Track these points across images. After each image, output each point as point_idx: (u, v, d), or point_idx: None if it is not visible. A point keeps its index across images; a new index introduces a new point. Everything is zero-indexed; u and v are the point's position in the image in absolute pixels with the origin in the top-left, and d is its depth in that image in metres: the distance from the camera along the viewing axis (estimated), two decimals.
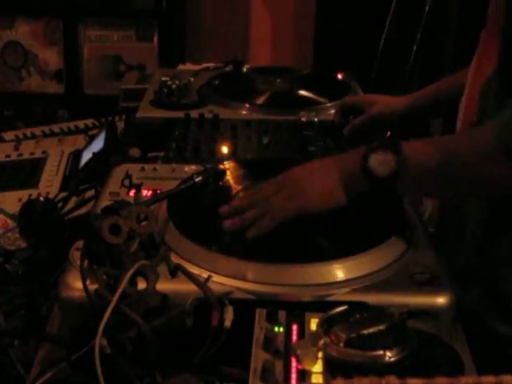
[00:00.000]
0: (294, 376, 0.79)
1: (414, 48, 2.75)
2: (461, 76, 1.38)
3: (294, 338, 0.86)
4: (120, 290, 0.79)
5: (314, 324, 0.87)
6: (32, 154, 1.83)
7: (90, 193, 1.45)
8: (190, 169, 1.31)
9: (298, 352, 0.80)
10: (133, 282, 0.83)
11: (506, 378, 0.58)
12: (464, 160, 1.04)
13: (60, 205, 1.42)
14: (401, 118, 1.55)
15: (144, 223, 0.86)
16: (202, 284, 0.86)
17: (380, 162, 1.02)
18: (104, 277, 0.84)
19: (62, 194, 1.48)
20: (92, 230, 0.85)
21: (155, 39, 3.12)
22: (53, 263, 1.21)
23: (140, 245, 0.87)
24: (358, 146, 1.09)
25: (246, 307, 0.90)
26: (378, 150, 1.03)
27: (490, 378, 0.58)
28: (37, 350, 1.02)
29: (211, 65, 2.08)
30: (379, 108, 1.56)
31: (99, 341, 0.76)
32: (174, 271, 0.88)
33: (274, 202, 1.07)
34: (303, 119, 1.60)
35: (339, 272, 0.98)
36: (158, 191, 1.20)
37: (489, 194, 1.10)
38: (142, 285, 0.85)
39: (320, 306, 0.92)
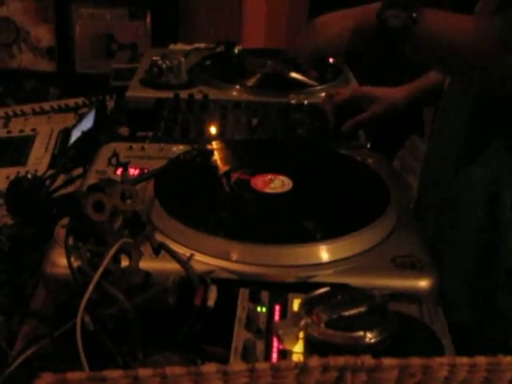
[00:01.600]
0: (274, 355, 0.80)
1: None
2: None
3: (277, 318, 0.86)
4: (102, 267, 0.79)
5: (296, 305, 0.87)
6: (21, 131, 1.83)
7: (78, 171, 1.45)
8: (177, 149, 1.31)
9: (280, 332, 0.81)
10: (116, 260, 0.83)
11: (479, 358, 0.59)
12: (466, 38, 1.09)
13: (48, 182, 1.42)
14: (402, 112, 1.56)
15: (128, 201, 0.86)
16: (184, 262, 0.86)
17: (394, 15, 1.08)
18: (88, 254, 0.84)
19: (50, 172, 1.48)
20: (77, 207, 0.85)
21: (148, 18, 3.10)
22: (39, 240, 1.21)
23: (125, 223, 0.88)
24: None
25: (229, 287, 0.91)
26: (394, 5, 1.09)
27: (464, 360, 0.59)
28: (21, 326, 1.03)
29: (202, 45, 2.07)
30: (383, 106, 1.54)
31: (81, 317, 0.77)
32: (158, 250, 0.88)
33: (300, 38, 1.28)
34: (293, 101, 1.60)
35: (323, 254, 0.99)
36: (146, 170, 1.20)
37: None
38: (125, 263, 0.85)
39: (303, 287, 0.93)
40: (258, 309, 0.87)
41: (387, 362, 0.59)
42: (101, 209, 0.83)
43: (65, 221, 1.01)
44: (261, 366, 0.56)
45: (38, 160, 1.64)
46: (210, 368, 0.55)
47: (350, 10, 1.19)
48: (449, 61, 1.15)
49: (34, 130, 1.81)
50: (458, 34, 1.09)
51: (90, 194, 0.84)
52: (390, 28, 1.08)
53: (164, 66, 1.68)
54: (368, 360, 0.58)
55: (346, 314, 0.82)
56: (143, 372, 0.54)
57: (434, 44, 1.10)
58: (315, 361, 0.57)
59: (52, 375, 0.53)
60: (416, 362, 0.59)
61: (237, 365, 0.55)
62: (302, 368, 0.57)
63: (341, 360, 0.57)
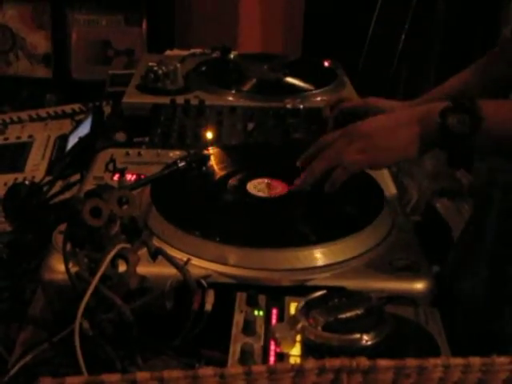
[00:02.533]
0: (272, 359, 0.80)
1: (403, 37, 2.76)
2: (468, 75, 1.40)
3: (274, 321, 0.87)
4: (100, 272, 0.79)
5: (293, 308, 0.88)
6: (18, 138, 1.83)
7: (76, 177, 1.46)
8: (174, 154, 1.32)
9: (277, 335, 0.81)
10: (113, 265, 0.84)
11: (473, 359, 0.60)
12: None
13: (45, 189, 1.42)
14: None
15: (125, 206, 0.87)
16: (181, 267, 0.87)
17: (457, 120, 0.99)
18: (85, 259, 0.84)
19: (48, 178, 1.48)
20: (74, 213, 0.85)
21: (144, 25, 3.10)
22: (37, 247, 1.22)
23: (122, 228, 0.88)
24: None
25: (226, 291, 0.92)
26: (456, 110, 1.00)
27: (458, 360, 0.60)
28: (19, 332, 1.03)
29: (198, 51, 2.07)
30: None
31: (79, 322, 0.77)
32: (155, 255, 0.89)
33: (346, 153, 1.06)
34: (289, 106, 1.61)
35: (319, 257, 0.99)
36: (142, 176, 1.21)
37: None
38: (123, 268, 0.86)
39: (300, 290, 0.93)
40: (255, 312, 0.88)
41: (382, 363, 0.59)
42: (98, 214, 0.83)
43: (62, 227, 1.01)
44: (257, 368, 0.57)
45: (36, 166, 1.65)
46: (206, 371, 0.55)
47: (404, 114, 1.09)
48: None
49: (31, 136, 1.82)
50: None
51: (87, 199, 0.84)
52: (456, 135, 0.99)
53: (160, 71, 1.69)
54: (363, 361, 0.59)
55: (343, 316, 0.83)
56: (141, 376, 0.55)
57: (506, 138, 1.01)
58: (311, 363, 0.58)
59: (51, 380, 0.53)
60: (411, 363, 0.60)
61: (233, 368, 0.56)
62: (298, 370, 0.58)
63: (336, 362, 0.58)
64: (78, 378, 0.54)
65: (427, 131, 1.02)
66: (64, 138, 1.76)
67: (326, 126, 1.53)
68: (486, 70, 1.44)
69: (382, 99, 1.57)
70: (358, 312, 0.83)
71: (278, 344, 0.81)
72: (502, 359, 0.61)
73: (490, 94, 1.40)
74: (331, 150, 1.08)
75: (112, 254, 0.82)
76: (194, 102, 1.62)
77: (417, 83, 2.77)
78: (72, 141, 1.70)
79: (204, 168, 1.23)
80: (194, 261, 0.96)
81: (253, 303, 0.90)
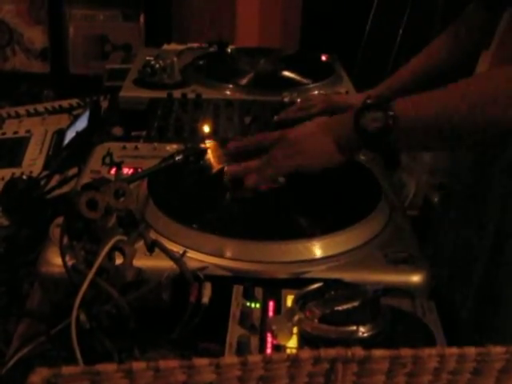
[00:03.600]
0: (269, 351, 0.80)
1: (400, 31, 2.76)
2: (414, 66, 1.44)
3: (270, 314, 0.87)
4: (96, 265, 0.79)
5: (290, 300, 0.88)
6: (16, 132, 1.83)
7: (73, 171, 1.46)
8: (171, 148, 1.32)
9: (274, 327, 0.81)
10: (110, 257, 0.84)
11: (469, 349, 0.60)
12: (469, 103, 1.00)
13: (42, 183, 1.42)
14: None
15: (122, 199, 0.87)
16: (177, 259, 0.87)
17: (371, 119, 1.02)
18: (82, 252, 0.84)
19: (45, 173, 1.48)
20: (71, 206, 0.85)
21: (141, 19, 3.10)
22: (35, 241, 1.22)
23: (118, 221, 0.88)
24: None
25: (223, 283, 0.92)
26: (369, 108, 1.03)
27: (453, 350, 0.60)
28: (17, 325, 1.03)
29: (195, 45, 2.07)
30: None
31: (75, 314, 0.77)
32: (152, 247, 0.89)
33: (277, 155, 1.11)
34: (286, 100, 1.61)
35: (316, 249, 0.99)
36: (139, 170, 1.21)
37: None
38: (119, 260, 0.86)
39: (296, 282, 0.93)
40: (252, 305, 0.88)
41: (378, 353, 0.59)
42: (94, 207, 0.83)
43: (59, 220, 1.01)
44: (253, 358, 0.57)
45: (33, 161, 1.65)
46: (202, 361, 0.55)
47: (323, 121, 1.13)
48: (450, 136, 1.03)
49: (28, 131, 1.81)
50: (453, 102, 1.00)
51: (84, 192, 0.84)
52: (370, 133, 1.03)
53: (157, 65, 1.69)
54: (359, 351, 0.59)
55: (339, 308, 0.82)
56: (136, 365, 0.55)
57: (426, 128, 1.02)
58: (306, 353, 0.58)
59: (47, 370, 0.53)
60: (406, 352, 0.60)
61: (229, 358, 0.56)
62: (294, 360, 0.58)
63: (332, 352, 0.58)
64: (74, 367, 0.54)
65: (345, 135, 1.06)
66: (61, 133, 1.75)
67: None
68: (450, 42, 1.47)
69: (344, 96, 1.59)
70: (355, 304, 0.83)
71: (274, 336, 0.81)
72: (498, 349, 0.61)
73: (459, 65, 1.44)
74: (265, 157, 1.12)
75: (108, 246, 0.82)
76: (191, 95, 1.62)
77: None
78: (69, 135, 1.70)
79: (201, 161, 1.23)
80: (191, 253, 0.96)
81: (249, 296, 0.90)
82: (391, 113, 1.01)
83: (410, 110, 1.02)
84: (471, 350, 0.59)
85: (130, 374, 0.54)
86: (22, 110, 1.98)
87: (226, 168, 1.16)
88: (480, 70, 1.20)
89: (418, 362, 0.60)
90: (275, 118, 1.54)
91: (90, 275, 0.79)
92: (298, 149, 1.10)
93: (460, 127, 1.00)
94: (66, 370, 0.53)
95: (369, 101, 1.06)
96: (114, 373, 0.54)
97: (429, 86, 1.24)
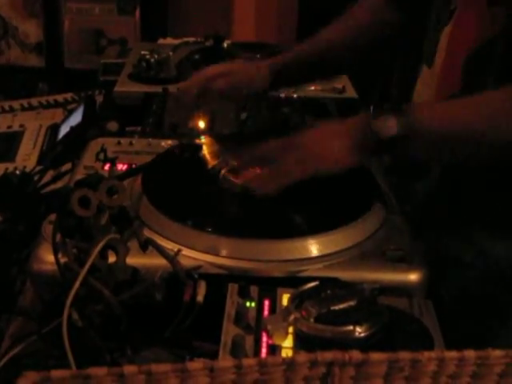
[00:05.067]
0: (264, 351, 0.80)
1: None
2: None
3: (266, 313, 0.86)
4: (89, 263, 0.78)
5: (285, 299, 0.87)
6: (9, 127, 1.81)
7: (67, 166, 1.44)
8: (166, 143, 1.31)
9: (269, 327, 0.81)
10: (103, 256, 0.82)
11: (468, 353, 0.59)
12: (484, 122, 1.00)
13: (36, 178, 1.41)
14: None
15: (115, 196, 0.85)
16: (171, 258, 0.85)
17: (386, 125, 1.00)
18: (74, 250, 0.83)
19: (39, 168, 1.47)
20: (63, 203, 0.84)
21: (137, 13, 3.09)
22: (28, 237, 1.21)
23: (111, 218, 0.87)
24: None
25: (218, 282, 0.90)
26: (384, 114, 1.01)
27: (453, 353, 0.59)
28: (8, 323, 1.02)
29: (191, 39, 2.06)
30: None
31: (67, 313, 0.76)
32: (145, 245, 0.87)
33: (288, 162, 1.06)
34: (282, 95, 1.60)
35: (312, 248, 0.98)
36: (134, 165, 1.20)
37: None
38: (112, 259, 0.85)
39: (292, 281, 0.92)
40: (247, 304, 0.87)
41: (375, 356, 0.58)
42: (87, 204, 0.82)
43: (52, 217, 1.00)
44: (248, 362, 0.56)
45: (27, 156, 1.63)
46: (196, 365, 0.54)
47: (338, 125, 1.10)
48: (463, 152, 1.03)
49: (22, 125, 1.80)
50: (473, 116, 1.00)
51: (76, 189, 0.83)
52: (386, 140, 1.00)
53: (152, 60, 1.68)
54: (356, 355, 0.58)
55: (336, 308, 0.82)
56: (128, 369, 0.54)
57: (444, 138, 1.01)
58: (303, 356, 0.57)
59: (36, 373, 0.52)
60: (404, 356, 0.59)
61: (223, 361, 0.55)
62: (290, 364, 0.57)
63: (328, 355, 0.57)
64: (63, 371, 0.53)
65: (361, 139, 1.03)
66: (55, 128, 1.74)
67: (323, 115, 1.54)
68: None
69: (242, 67, 1.46)
70: (351, 303, 0.83)
71: (270, 336, 0.81)
72: (497, 352, 0.60)
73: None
74: (272, 158, 1.08)
75: (101, 244, 0.81)
76: None
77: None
78: (63, 130, 1.68)
79: (196, 157, 1.22)
80: (186, 251, 0.95)
81: (245, 294, 0.89)
82: (408, 120, 0.99)
83: (428, 120, 1.01)
84: (471, 354, 0.58)
85: (122, 378, 0.53)
86: (16, 104, 1.96)
87: (223, 172, 1.12)
88: (441, 46, 1.18)
89: (417, 365, 0.59)
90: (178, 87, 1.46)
91: (82, 274, 0.77)
92: (311, 153, 1.06)
93: (479, 146, 1.00)
94: (55, 373, 0.52)
95: (383, 106, 1.03)
96: (104, 376, 0.53)
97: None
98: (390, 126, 0.99)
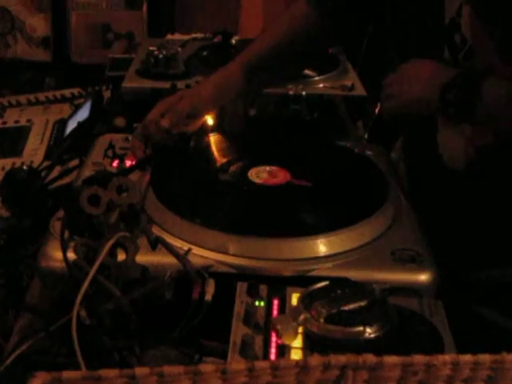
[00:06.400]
0: (273, 351, 0.79)
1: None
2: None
3: (275, 312, 0.86)
4: (98, 261, 0.78)
5: (295, 299, 0.87)
6: (17, 122, 1.81)
7: (75, 162, 1.44)
8: None
9: (278, 327, 0.80)
10: (112, 254, 0.82)
11: (483, 357, 0.58)
12: None
13: (43, 174, 1.40)
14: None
15: (124, 194, 0.85)
16: (181, 257, 0.85)
17: (455, 96, 1.02)
18: (83, 248, 0.83)
19: (46, 163, 1.46)
20: (72, 200, 0.83)
21: (144, 8, 3.07)
22: (35, 232, 1.20)
23: (121, 216, 0.86)
24: None
25: (227, 281, 0.90)
26: (456, 85, 1.03)
27: (468, 357, 0.58)
28: (16, 319, 1.02)
29: (200, 35, 2.05)
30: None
31: (76, 312, 0.76)
32: (155, 243, 0.87)
33: (394, 90, 1.12)
34: (291, 92, 1.59)
35: (322, 247, 0.98)
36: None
37: None
38: (122, 257, 0.84)
39: (302, 280, 0.92)
40: (257, 303, 0.87)
41: (389, 360, 0.58)
42: (96, 202, 0.81)
43: (60, 213, 1.00)
44: (260, 364, 0.55)
45: (34, 151, 1.63)
46: (208, 367, 0.54)
47: (438, 67, 1.11)
48: None
49: (29, 120, 1.80)
50: None
51: (85, 187, 0.82)
52: (453, 112, 1.03)
53: (161, 56, 1.67)
54: (370, 358, 0.57)
55: (346, 308, 0.81)
56: (140, 371, 0.53)
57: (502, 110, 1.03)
58: (316, 359, 0.56)
59: (46, 374, 0.52)
60: (419, 360, 0.58)
61: (236, 364, 0.54)
62: (303, 366, 0.56)
63: (342, 358, 0.56)
64: (74, 372, 0.52)
65: (432, 98, 1.05)
66: (63, 123, 1.74)
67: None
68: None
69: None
70: (362, 304, 0.82)
71: (279, 336, 0.80)
72: None
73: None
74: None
75: (110, 242, 0.80)
76: None
77: None
78: (71, 125, 1.68)
79: (205, 155, 1.22)
80: (195, 250, 0.95)
81: (254, 293, 0.88)
82: (478, 93, 1.01)
83: (496, 92, 1.02)
84: (486, 358, 0.58)
85: (133, 380, 0.52)
86: (23, 99, 1.96)
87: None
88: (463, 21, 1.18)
89: (431, 369, 0.58)
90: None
91: (92, 273, 0.77)
92: (401, 89, 1.11)
93: None
94: (66, 374, 0.51)
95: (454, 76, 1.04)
96: (116, 378, 0.52)
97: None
98: (460, 98, 1.02)
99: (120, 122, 1.46)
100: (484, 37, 1.07)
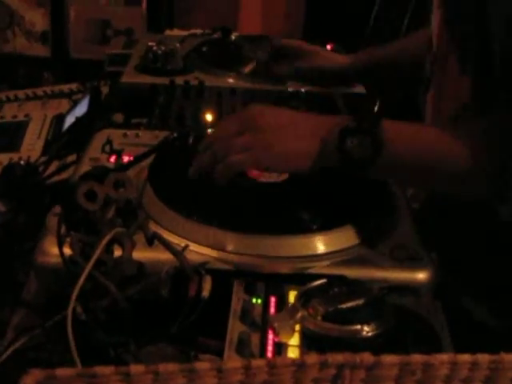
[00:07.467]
0: (270, 348, 0.79)
1: (405, 21, 2.74)
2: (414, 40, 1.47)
3: (272, 310, 0.86)
4: (94, 257, 0.77)
5: (292, 297, 0.86)
6: (14, 117, 1.80)
7: (72, 157, 1.43)
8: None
9: (275, 324, 0.80)
10: (109, 250, 0.81)
11: (482, 356, 0.58)
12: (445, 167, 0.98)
13: (41, 169, 1.40)
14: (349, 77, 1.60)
15: (121, 190, 0.84)
16: (178, 253, 0.84)
17: (357, 145, 0.93)
18: (80, 243, 0.82)
19: (43, 158, 1.46)
20: (68, 196, 0.83)
21: (143, 4, 3.07)
22: (32, 228, 1.20)
23: (118, 212, 0.86)
24: None
25: (224, 278, 0.90)
26: (356, 133, 0.94)
27: (466, 357, 0.58)
28: (12, 315, 1.01)
29: (199, 31, 2.05)
30: (326, 62, 1.61)
31: (72, 308, 0.75)
32: (151, 240, 0.86)
33: (231, 149, 0.98)
34: (290, 89, 1.59)
35: (319, 245, 0.97)
36: None
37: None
38: (118, 253, 0.84)
39: (299, 278, 0.92)
40: (254, 300, 0.87)
41: (387, 359, 0.57)
42: (93, 198, 0.81)
43: (57, 209, 0.99)
44: (256, 362, 0.55)
45: (31, 146, 1.62)
46: (204, 365, 0.53)
47: (301, 123, 0.99)
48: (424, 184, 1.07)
49: (27, 115, 1.79)
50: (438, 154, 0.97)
51: (82, 182, 0.82)
52: (355, 160, 0.94)
53: (159, 51, 1.67)
54: (367, 357, 0.57)
55: (343, 306, 0.81)
56: (135, 369, 0.52)
57: (408, 166, 0.98)
58: (313, 358, 0.56)
59: (40, 371, 0.51)
60: (416, 359, 0.58)
61: (232, 362, 0.54)
62: (300, 365, 0.56)
63: (339, 357, 0.56)
64: (69, 369, 0.52)
65: (326, 149, 0.96)
66: (61, 118, 1.73)
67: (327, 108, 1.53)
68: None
69: (316, 46, 1.65)
70: (359, 302, 0.82)
71: (276, 333, 0.80)
72: (511, 357, 0.59)
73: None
74: (219, 143, 1.00)
75: (107, 238, 0.80)
76: (194, 82, 1.60)
77: None
78: (69, 121, 1.67)
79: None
80: (192, 246, 0.94)
81: (251, 291, 0.88)
82: (381, 140, 0.93)
83: (400, 138, 0.96)
84: (484, 358, 0.57)
85: (128, 377, 0.52)
86: (21, 94, 1.95)
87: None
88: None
89: (429, 368, 0.58)
90: None
91: (88, 268, 0.76)
92: (262, 143, 0.97)
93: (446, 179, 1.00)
94: (61, 371, 0.51)
95: (356, 123, 0.94)
96: (111, 375, 0.52)
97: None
98: (362, 145, 0.93)
99: (118, 117, 1.46)
100: (449, 45, 1.06)
